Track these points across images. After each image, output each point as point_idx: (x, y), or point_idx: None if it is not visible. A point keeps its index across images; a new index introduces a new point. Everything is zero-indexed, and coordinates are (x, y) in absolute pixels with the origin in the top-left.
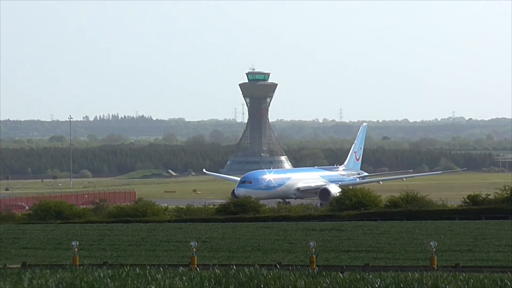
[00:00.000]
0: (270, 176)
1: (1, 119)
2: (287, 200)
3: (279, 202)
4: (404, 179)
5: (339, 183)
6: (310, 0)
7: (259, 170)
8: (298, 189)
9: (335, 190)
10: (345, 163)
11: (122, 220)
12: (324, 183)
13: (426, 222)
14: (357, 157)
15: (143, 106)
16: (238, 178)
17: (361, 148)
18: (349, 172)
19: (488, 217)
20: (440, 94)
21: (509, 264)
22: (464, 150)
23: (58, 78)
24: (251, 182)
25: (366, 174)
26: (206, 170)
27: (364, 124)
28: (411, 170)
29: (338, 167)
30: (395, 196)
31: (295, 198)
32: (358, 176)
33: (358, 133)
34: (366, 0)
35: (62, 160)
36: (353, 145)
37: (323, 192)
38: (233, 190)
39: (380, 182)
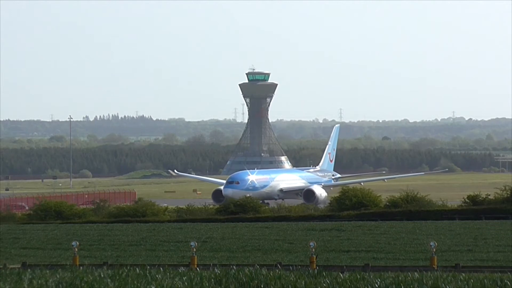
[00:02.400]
0: (254, 177)
1: (1, 119)
2: (266, 201)
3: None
4: (385, 180)
5: (322, 184)
6: (310, 0)
7: (244, 170)
8: (281, 190)
9: (319, 191)
10: (320, 164)
11: (122, 220)
12: (304, 184)
13: (426, 222)
14: (331, 158)
15: (143, 106)
16: (211, 179)
17: (334, 150)
18: (325, 174)
19: (488, 217)
20: (440, 94)
21: (509, 264)
22: (464, 150)
23: (58, 78)
24: (238, 183)
25: (339, 176)
26: (176, 171)
27: (337, 125)
28: (383, 172)
29: (315, 168)
30: (395, 196)
31: (276, 199)
32: (333, 177)
33: (331, 134)
34: (366, 0)
35: (62, 160)
36: (327, 146)
37: (308, 193)
38: (214, 192)
39: (362, 183)
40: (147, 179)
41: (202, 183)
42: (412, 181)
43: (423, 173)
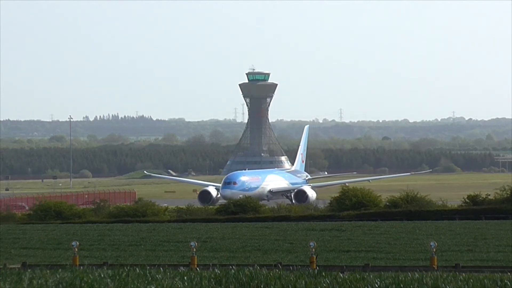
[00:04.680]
0: (249, 178)
1: (1, 119)
2: None
3: None
4: (370, 180)
5: (311, 185)
6: (310, 0)
7: (239, 171)
8: (270, 190)
9: (310, 192)
10: (295, 165)
11: (122, 220)
12: (287, 185)
13: (426, 222)
14: (303, 159)
15: (143, 106)
16: (183, 179)
17: (305, 150)
18: (300, 174)
19: (488, 217)
20: (440, 94)
21: (509, 264)
22: (464, 150)
23: (58, 78)
24: (236, 183)
25: (310, 177)
26: (146, 171)
27: (307, 126)
28: (354, 172)
29: (290, 169)
30: (395, 196)
31: (262, 200)
32: (306, 178)
33: (302, 135)
34: (366, 0)
35: (62, 160)
36: (299, 147)
37: (299, 193)
38: (201, 192)
39: (346, 184)
40: (147, 179)
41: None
42: (412, 181)
43: (409, 173)
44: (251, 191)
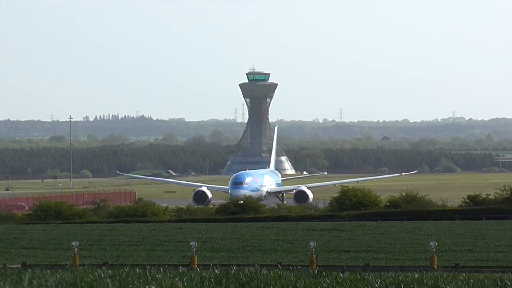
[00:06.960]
0: (252, 178)
1: (1, 119)
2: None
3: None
4: (358, 181)
5: (306, 185)
6: (310, 0)
7: (244, 171)
8: (268, 191)
9: (309, 192)
10: (271, 166)
11: (122, 220)
12: (275, 186)
13: (426, 222)
14: (275, 159)
15: (143, 106)
16: (159, 178)
17: (275, 151)
18: (280, 175)
19: (488, 217)
20: (440, 94)
21: (509, 264)
22: (464, 150)
23: (58, 78)
24: (247, 184)
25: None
26: (119, 171)
27: (276, 126)
28: (325, 173)
29: (267, 169)
30: (395, 196)
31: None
32: (281, 178)
33: (274, 136)
34: (366, 0)
35: (62, 160)
36: (273, 148)
37: (299, 194)
38: (195, 193)
39: (335, 185)
40: (147, 179)
41: (204, 183)
42: (412, 181)
43: (398, 174)
44: (256, 191)
